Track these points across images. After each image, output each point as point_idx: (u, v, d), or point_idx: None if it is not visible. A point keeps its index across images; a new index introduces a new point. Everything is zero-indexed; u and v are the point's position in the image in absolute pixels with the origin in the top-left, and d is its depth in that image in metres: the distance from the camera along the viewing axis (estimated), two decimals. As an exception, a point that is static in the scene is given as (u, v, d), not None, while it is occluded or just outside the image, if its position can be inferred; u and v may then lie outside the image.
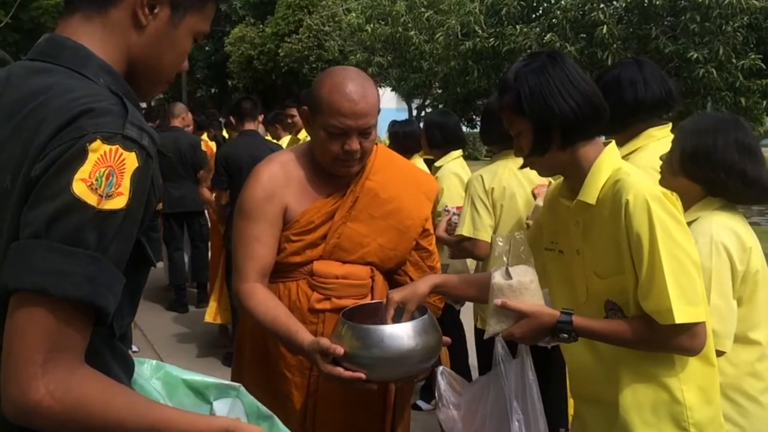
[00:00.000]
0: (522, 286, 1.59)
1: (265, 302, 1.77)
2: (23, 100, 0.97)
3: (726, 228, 1.82)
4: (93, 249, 0.89)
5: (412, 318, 1.69)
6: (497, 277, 1.62)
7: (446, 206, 3.25)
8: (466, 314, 3.76)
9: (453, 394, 1.93)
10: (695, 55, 10.25)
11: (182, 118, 5.99)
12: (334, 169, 1.86)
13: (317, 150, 1.86)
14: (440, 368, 1.97)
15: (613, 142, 1.65)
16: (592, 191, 1.56)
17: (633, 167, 1.61)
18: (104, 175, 0.89)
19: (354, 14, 15.86)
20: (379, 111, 1.84)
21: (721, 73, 10.43)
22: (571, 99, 1.52)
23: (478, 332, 3.06)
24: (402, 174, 2.01)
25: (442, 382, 1.94)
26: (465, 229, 2.92)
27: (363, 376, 1.59)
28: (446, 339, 1.73)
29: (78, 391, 0.90)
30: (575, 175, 1.61)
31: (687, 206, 1.87)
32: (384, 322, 1.69)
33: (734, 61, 10.35)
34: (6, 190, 0.93)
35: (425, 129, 4.07)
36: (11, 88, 1.01)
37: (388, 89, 18.08)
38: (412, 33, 14.28)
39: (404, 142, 4.43)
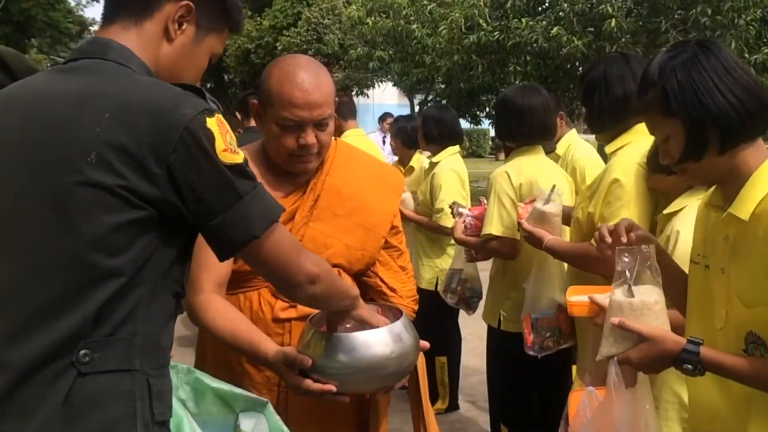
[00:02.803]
0: (644, 306, 1.42)
1: (223, 314, 1.65)
2: (83, 88, 1.10)
3: None
4: (256, 184, 1.18)
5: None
6: (618, 294, 1.46)
7: (458, 207, 3.09)
8: (465, 316, 3.55)
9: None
10: (707, 50, 10.08)
11: None
12: (291, 166, 1.76)
13: (271, 147, 1.77)
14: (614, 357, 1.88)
15: None
16: (746, 204, 1.36)
17: None
18: (229, 137, 1.14)
19: (354, 7, 15.63)
20: (334, 101, 1.75)
21: (733, 68, 10.27)
22: (731, 94, 1.34)
23: (496, 333, 2.89)
24: (365, 169, 1.93)
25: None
26: (493, 228, 2.76)
27: (333, 388, 1.50)
28: (424, 343, 1.65)
29: (316, 257, 1.34)
30: (732, 184, 1.40)
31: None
32: (355, 328, 1.57)
33: (747, 55, 10.18)
34: (91, 164, 1.06)
35: (422, 123, 4.13)
36: (59, 81, 1.13)
37: (390, 84, 17.90)
38: (415, 26, 14.02)
39: (412, 136, 4.56)
